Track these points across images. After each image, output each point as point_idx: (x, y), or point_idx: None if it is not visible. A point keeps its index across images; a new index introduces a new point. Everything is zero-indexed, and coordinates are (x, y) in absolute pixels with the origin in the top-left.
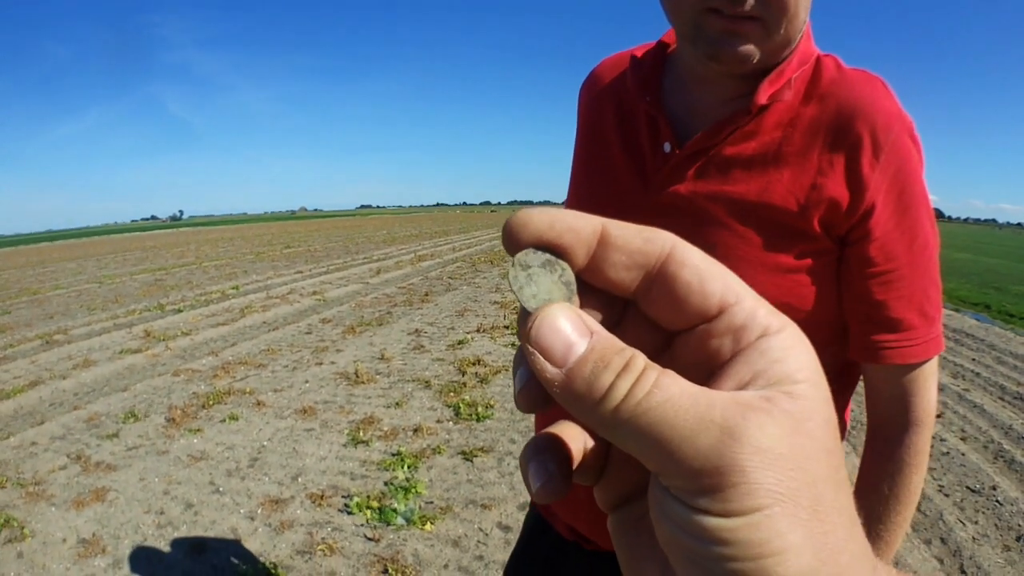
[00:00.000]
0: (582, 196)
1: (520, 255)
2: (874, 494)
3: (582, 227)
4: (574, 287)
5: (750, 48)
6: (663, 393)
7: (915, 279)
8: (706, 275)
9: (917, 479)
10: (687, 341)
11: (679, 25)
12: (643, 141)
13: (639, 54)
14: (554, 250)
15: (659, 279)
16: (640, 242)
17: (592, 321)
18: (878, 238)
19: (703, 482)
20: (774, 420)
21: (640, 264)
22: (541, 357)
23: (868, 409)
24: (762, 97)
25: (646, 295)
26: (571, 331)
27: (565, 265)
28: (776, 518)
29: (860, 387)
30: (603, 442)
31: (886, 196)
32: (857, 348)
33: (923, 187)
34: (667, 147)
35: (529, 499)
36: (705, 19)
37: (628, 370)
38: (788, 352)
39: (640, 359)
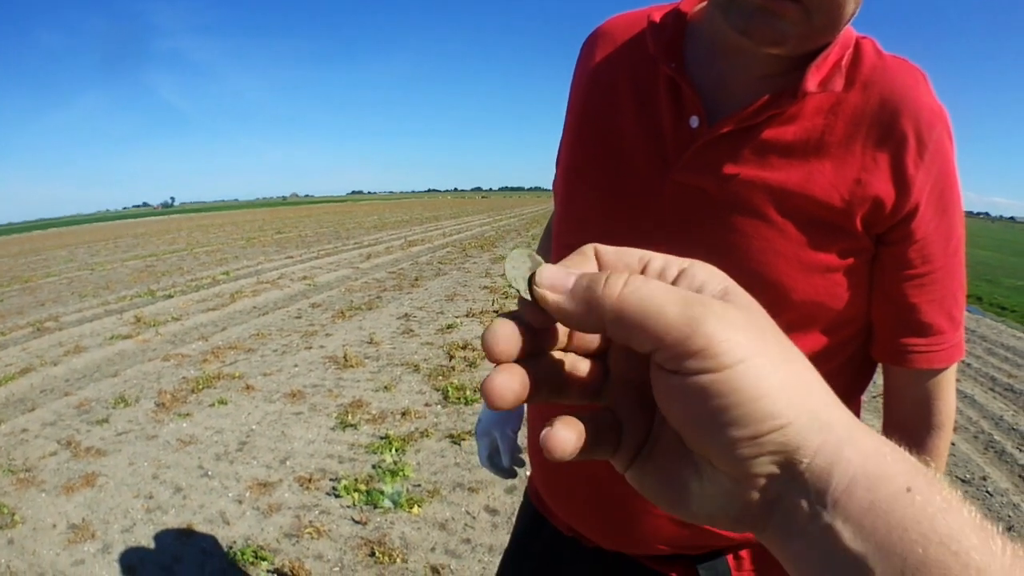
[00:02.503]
0: (582, 175)
1: (513, 253)
2: None
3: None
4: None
5: (785, 29)
6: (652, 284)
7: (948, 282)
8: (622, 251)
9: None
10: None
11: None
12: (663, 113)
13: (657, 16)
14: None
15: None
16: (580, 259)
17: (573, 268)
18: (919, 240)
19: (693, 345)
20: (729, 304)
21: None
22: (549, 292)
23: (887, 410)
24: (811, 84)
25: None
26: (562, 271)
27: (534, 255)
28: (757, 366)
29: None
30: (608, 416)
31: (928, 197)
32: (884, 350)
33: (958, 188)
34: (694, 122)
35: (516, 485)
36: None
37: (615, 274)
38: (709, 274)
39: (621, 269)
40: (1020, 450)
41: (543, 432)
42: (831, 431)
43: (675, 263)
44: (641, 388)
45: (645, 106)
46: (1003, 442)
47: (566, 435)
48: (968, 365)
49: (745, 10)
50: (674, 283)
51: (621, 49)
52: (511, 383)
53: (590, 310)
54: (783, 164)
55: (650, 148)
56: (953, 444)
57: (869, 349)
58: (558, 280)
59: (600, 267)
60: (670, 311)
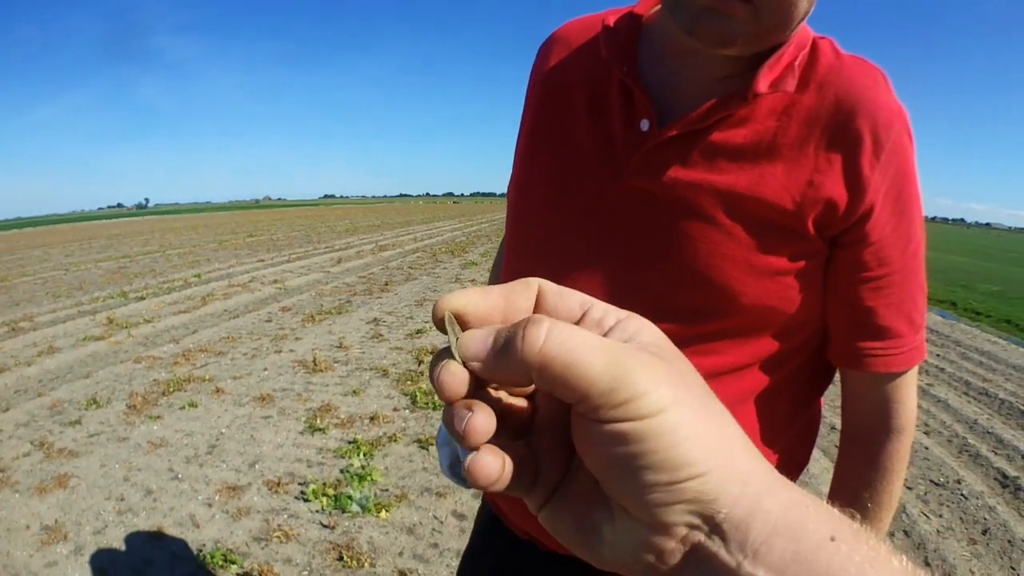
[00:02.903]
0: (534, 180)
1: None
2: (853, 501)
3: (493, 308)
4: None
5: (734, 29)
6: (576, 334)
7: (906, 285)
8: (564, 293)
9: (898, 485)
10: None
11: None
12: (614, 117)
13: (612, 20)
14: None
15: (537, 308)
16: (522, 291)
17: (492, 328)
18: (874, 242)
19: (616, 396)
20: (652, 355)
21: (527, 309)
22: (473, 361)
23: (846, 414)
24: (762, 85)
25: None
26: (478, 332)
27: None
28: (677, 415)
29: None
30: (531, 453)
31: (884, 199)
32: (840, 354)
33: (918, 189)
34: (645, 125)
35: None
36: None
37: (535, 323)
38: (642, 327)
39: (544, 317)
40: (995, 453)
41: (469, 457)
42: (749, 483)
43: (614, 313)
44: (564, 428)
45: (598, 110)
46: (978, 445)
47: (490, 461)
48: (942, 369)
49: (692, 10)
50: (608, 333)
51: (576, 53)
52: (487, 423)
53: (513, 366)
54: (733, 167)
55: (601, 152)
56: (927, 448)
57: (825, 353)
58: (480, 344)
59: (539, 304)
60: (595, 363)
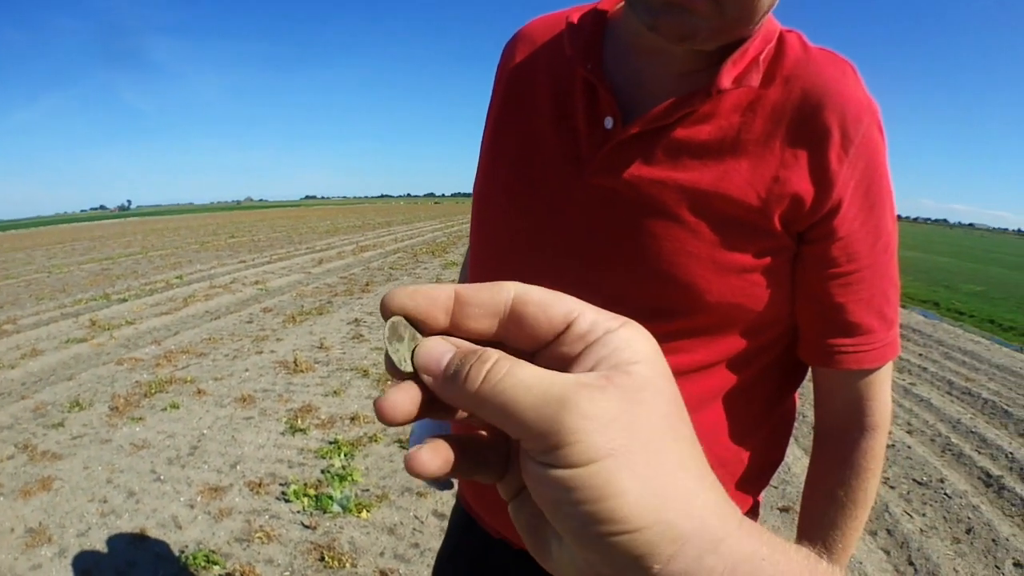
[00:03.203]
0: (499, 178)
1: (394, 319)
2: (828, 500)
3: (437, 295)
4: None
5: (695, 23)
6: (513, 377)
7: (876, 281)
8: (548, 303)
9: (873, 483)
10: (545, 352)
11: None
12: (578, 115)
13: (576, 17)
14: (416, 318)
15: (512, 319)
16: (488, 295)
17: (455, 340)
18: (842, 237)
19: (547, 442)
20: (605, 394)
21: (493, 312)
22: (424, 374)
23: (818, 412)
24: (725, 80)
25: (506, 335)
26: (440, 347)
27: (421, 336)
28: (610, 467)
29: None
30: (503, 443)
31: (853, 193)
32: (810, 351)
33: (889, 184)
34: (609, 123)
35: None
36: None
37: (482, 360)
38: (627, 342)
39: (493, 353)
40: (978, 452)
41: (409, 451)
42: (690, 541)
43: (602, 324)
44: None
45: (562, 108)
46: (961, 445)
47: (429, 457)
48: (925, 369)
49: (653, 5)
50: (589, 348)
51: (540, 51)
52: (404, 402)
53: (456, 395)
54: (697, 164)
55: (566, 150)
56: (910, 447)
57: (796, 350)
58: (433, 361)
59: (516, 312)
60: (527, 407)
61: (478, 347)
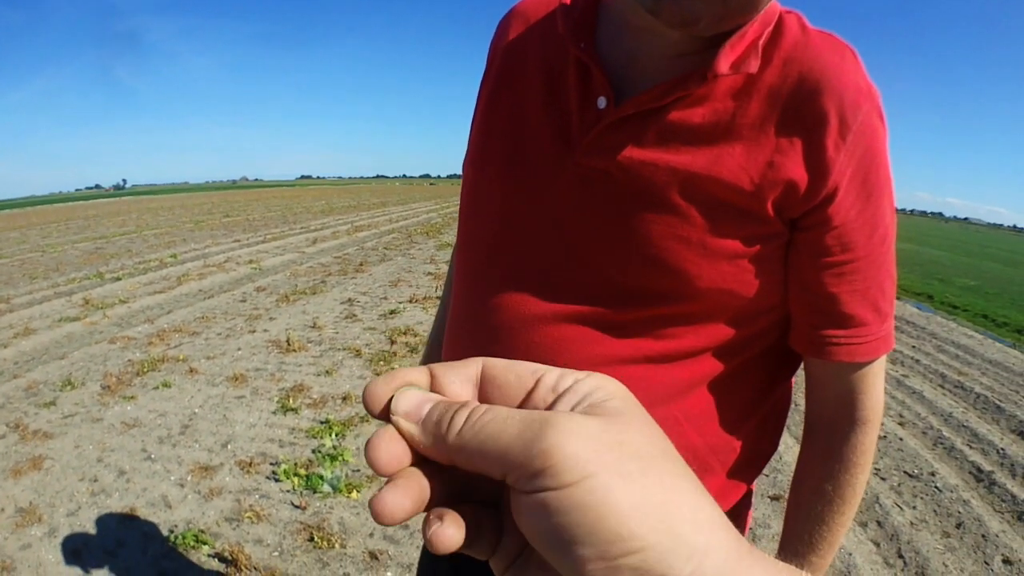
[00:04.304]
0: (489, 157)
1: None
2: (816, 494)
3: (415, 378)
4: None
5: (697, 10)
6: (491, 415)
7: (872, 272)
8: (515, 365)
9: (862, 478)
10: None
11: None
12: (570, 94)
13: None
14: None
15: (483, 385)
16: (460, 367)
17: (434, 395)
18: (837, 226)
19: (533, 465)
20: (587, 417)
21: (466, 378)
22: (403, 421)
23: (808, 404)
24: (723, 65)
25: (483, 399)
26: (419, 398)
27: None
28: (603, 482)
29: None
30: (497, 518)
31: (850, 182)
32: (802, 341)
33: (889, 173)
34: (602, 103)
35: None
36: None
37: (463, 408)
38: (597, 386)
39: (473, 402)
40: (970, 447)
41: (432, 528)
42: (706, 556)
43: (570, 376)
44: None
45: (554, 88)
46: (952, 438)
47: (452, 533)
48: (917, 362)
49: None
50: (561, 396)
51: (533, 29)
52: (402, 501)
53: (437, 446)
54: (690, 147)
55: (555, 130)
56: (901, 439)
57: (788, 339)
58: (412, 407)
59: (485, 382)
60: (506, 434)
61: (456, 401)
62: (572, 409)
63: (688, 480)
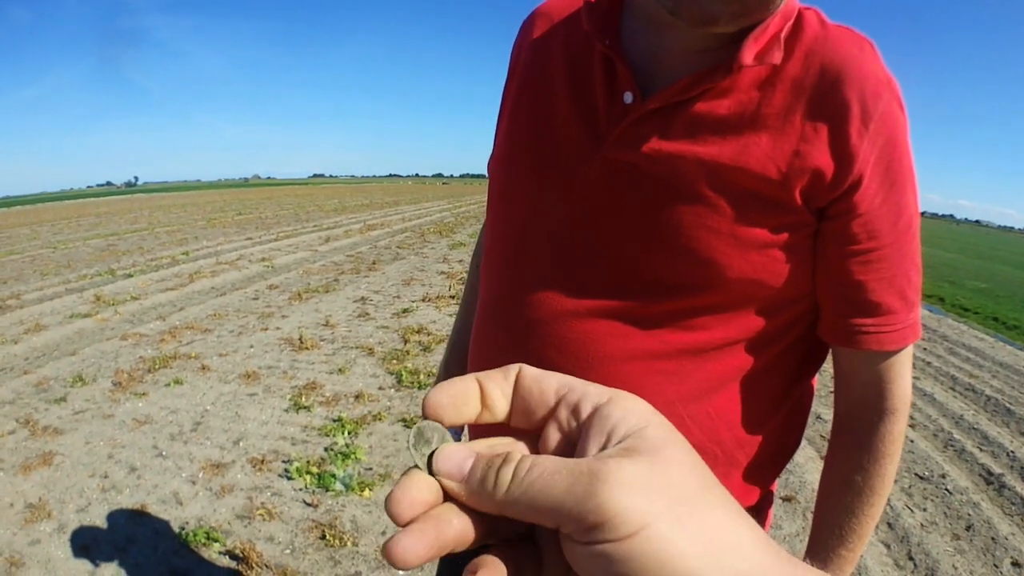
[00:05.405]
0: (517, 155)
1: (421, 423)
2: (845, 486)
3: (468, 389)
4: (450, 437)
5: (716, 9)
6: (538, 469)
7: (897, 260)
8: (542, 378)
9: (891, 469)
10: (545, 433)
11: None
12: (597, 90)
13: None
14: (458, 419)
15: (516, 393)
16: (502, 375)
17: (474, 444)
18: (862, 214)
19: (588, 520)
20: (632, 460)
21: (505, 391)
22: (447, 480)
23: (838, 395)
24: (747, 56)
25: (512, 412)
26: (460, 454)
27: (451, 437)
28: (661, 530)
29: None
30: (534, 552)
31: (873, 169)
32: (831, 330)
33: (911, 162)
34: (628, 97)
35: None
36: None
37: (507, 462)
38: (626, 410)
39: (515, 453)
40: (980, 449)
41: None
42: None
43: (592, 396)
44: None
45: (579, 84)
46: (963, 441)
47: (412, 543)
48: (928, 364)
49: None
50: (586, 423)
51: (557, 28)
52: (415, 546)
53: (484, 501)
54: (716, 138)
55: (583, 125)
56: (912, 441)
57: (816, 330)
58: (454, 467)
59: (517, 389)
60: (560, 492)
61: (497, 446)
62: (608, 441)
63: (728, 508)
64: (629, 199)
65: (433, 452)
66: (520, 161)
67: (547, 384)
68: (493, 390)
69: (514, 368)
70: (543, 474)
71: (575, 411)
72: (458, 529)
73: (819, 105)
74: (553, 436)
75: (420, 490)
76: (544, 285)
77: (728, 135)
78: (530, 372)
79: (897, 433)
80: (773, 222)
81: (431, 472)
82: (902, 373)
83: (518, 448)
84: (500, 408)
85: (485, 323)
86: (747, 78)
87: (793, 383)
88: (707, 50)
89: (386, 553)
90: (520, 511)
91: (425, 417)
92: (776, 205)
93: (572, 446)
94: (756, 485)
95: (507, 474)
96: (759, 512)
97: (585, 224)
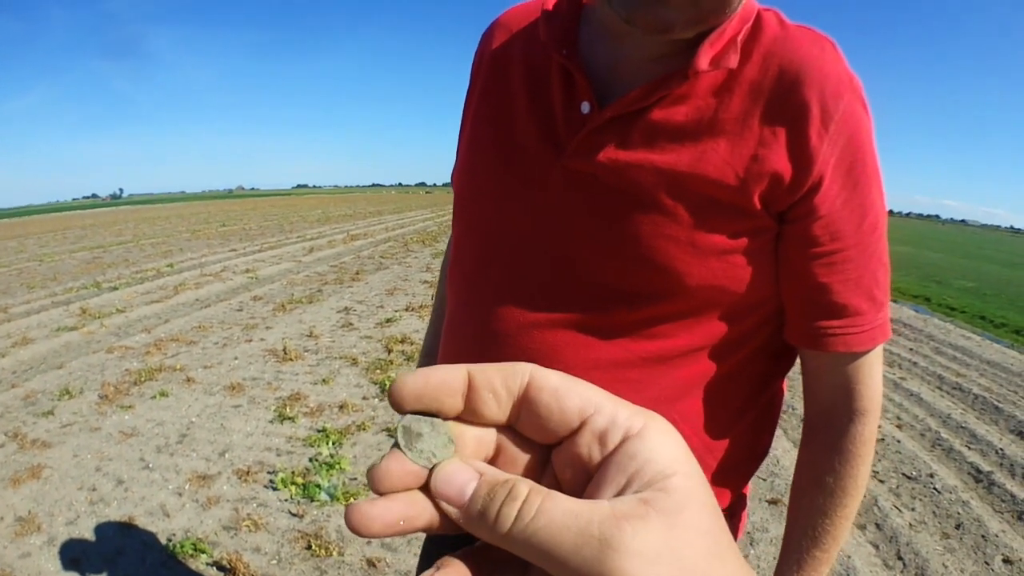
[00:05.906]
0: (477, 164)
1: (405, 420)
2: (816, 487)
3: (451, 379)
4: (452, 437)
5: (671, 17)
6: (546, 516)
7: (863, 261)
8: (563, 394)
9: (864, 470)
10: (561, 452)
11: None
12: (555, 100)
13: (550, 4)
14: (431, 410)
15: (525, 404)
16: (501, 378)
17: (478, 463)
18: (824, 216)
19: None
20: (648, 524)
21: (507, 397)
22: (444, 503)
23: (807, 397)
24: (703, 61)
25: (518, 421)
26: (461, 477)
27: (442, 422)
28: None
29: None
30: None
31: (835, 170)
32: (797, 333)
33: (875, 160)
34: (585, 107)
35: None
36: None
37: (512, 498)
38: (655, 450)
39: (523, 486)
40: (968, 448)
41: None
42: None
43: (622, 424)
44: None
45: (538, 94)
46: (951, 440)
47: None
48: (915, 364)
49: None
50: (614, 457)
51: (516, 38)
52: (374, 523)
53: (482, 533)
54: (674, 146)
55: (543, 136)
56: (899, 441)
57: (783, 333)
58: (455, 492)
59: (528, 400)
60: (567, 550)
61: (503, 475)
62: (628, 484)
63: (730, 552)
64: (588, 209)
65: (432, 452)
66: (482, 172)
67: (569, 403)
68: (483, 392)
69: (522, 372)
70: (550, 524)
71: (602, 440)
72: (431, 518)
73: (778, 108)
74: (569, 460)
75: (404, 476)
76: (507, 296)
77: (685, 142)
78: (547, 384)
79: (868, 434)
80: (732, 228)
81: (429, 472)
82: (871, 374)
83: (522, 462)
84: (488, 413)
85: (451, 334)
86: (704, 84)
87: (761, 387)
88: (664, 57)
89: (346, 514)
90: (519, 552)
91: (397, 407)
92: (735, 211)
93: (587, 475)
94: (727, 488)
95: (510, 513)
96: (732, 516)
97: (546, 234)
